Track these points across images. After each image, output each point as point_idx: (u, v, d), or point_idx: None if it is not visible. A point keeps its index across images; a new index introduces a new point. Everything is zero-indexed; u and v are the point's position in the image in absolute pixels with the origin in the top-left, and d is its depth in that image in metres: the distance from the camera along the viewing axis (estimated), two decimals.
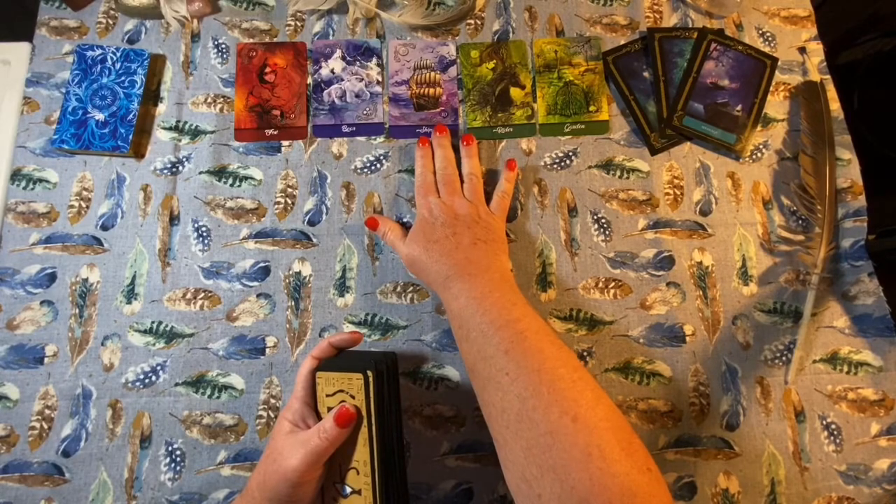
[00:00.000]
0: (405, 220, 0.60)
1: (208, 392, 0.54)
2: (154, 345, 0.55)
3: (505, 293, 0.47)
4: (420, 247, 0.52)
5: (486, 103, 0.63)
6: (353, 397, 0.43)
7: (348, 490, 0.43)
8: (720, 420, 0.55)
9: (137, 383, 0.54)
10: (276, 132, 0.62)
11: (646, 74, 0.65)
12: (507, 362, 0.40)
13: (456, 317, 0.47)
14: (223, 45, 0.65)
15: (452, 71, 0.65)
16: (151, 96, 0.62)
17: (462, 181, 0.57)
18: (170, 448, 0.53)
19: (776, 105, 0.64)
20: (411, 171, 0.61)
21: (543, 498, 0.34)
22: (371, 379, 0.42)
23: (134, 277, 0.57)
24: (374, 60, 0.65)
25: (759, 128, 0.63)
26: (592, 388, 0.39)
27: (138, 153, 0.61)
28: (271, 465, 0.41)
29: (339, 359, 0.46)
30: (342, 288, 0.58)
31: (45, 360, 0.55)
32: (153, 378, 0.55)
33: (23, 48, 0.63)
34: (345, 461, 0.43)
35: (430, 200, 0.54)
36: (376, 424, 0.42)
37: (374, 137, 0.62)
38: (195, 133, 0.62)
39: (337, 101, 0.63)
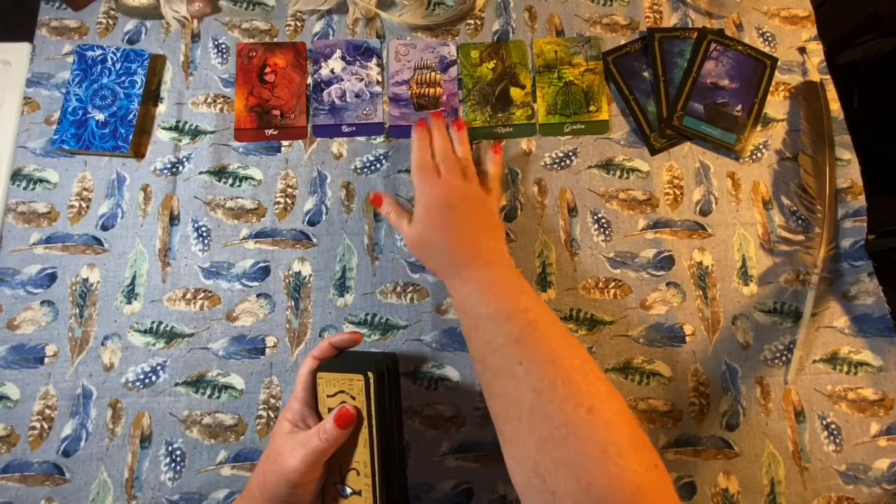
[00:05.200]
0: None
1: (208, 392, 0.54)
2: (154, 345, 0.55)
3: (513, 281, 0.46)
4: (430, 230, 0.50)
5: (486, 103, 0.63)
6: (353, 398, 0.43)
7: (348, 491, 0.43)
8: (720, 420, 0.55)
9: (137, 383, 0.54)
10: (276, 132, 0.62)
11: (646, 74, 0.65)
12: (520, 352, 0.39)
13: (462, 305, 0.45)
14: (223, 46, 0.65)
15: (453, 71, 0.65)
16: (151, 96, 0.62)
17: None
18: (170, 448, 0.53)
19: (776, 105, 0.64)
20: (410, 171, 0.61)
21: (558, 494, 0.33)
22: (372, 380, 0.42)
23: (134, 277, 0.57)
24: (374, 60, 0.65)
25: (759, 128, 0.63)
26: (603, 380, 0.38)
27: (138, 153, 0.61)
28: (271, 465, 0.41)
29: (340, 359, 0.46)
30: (342, 288, 0.58)
31: (46, 360, 0.55)
32: (153, 378, 0.55)
33: (23, 48, 0.63)
34: (345, 462, 0.43)
35: (433, 180, 0.52)
36: (377, 426, 0.42)
37: (373, 137, 0.62)
38: (195, 133, 0.62)
39: (337, 101, 0.63)
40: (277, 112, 0.62)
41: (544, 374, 0.38)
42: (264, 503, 0.40)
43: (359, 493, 0.42)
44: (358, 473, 0.42)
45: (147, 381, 0.54)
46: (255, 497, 0.41)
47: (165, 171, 0.60)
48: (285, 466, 0.39)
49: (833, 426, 0.55)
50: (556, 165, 0.62)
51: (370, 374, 0.42)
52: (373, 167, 0.61)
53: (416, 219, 0.52)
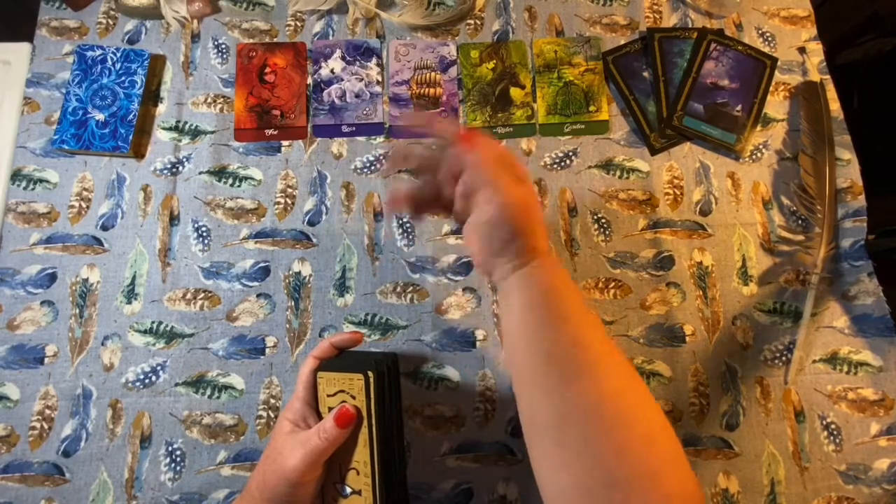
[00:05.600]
0: (405, 219, 0.60)
1: (208, 392, 0.54)
2: (154, 345, 0.55)
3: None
4: (532, 198, 0.40)
5: (486, 103, 0.63)
6: (353, 398, 0.43)
7: (348, 490, 0.43)
8: (720, 420, 0.55)
9: (137, 383, 0.54)
10: (276, 132, 0.62)
11: (646, 74, 0.65)
12: (606, 352, 0.36)
13: (545, 292, 0.37)
14: (223, 46, 0.65)
15: (452, 71, 0.65)
16: (151, 96, 0.62)
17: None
18: (170, 448, 0.53)
19: (776, 105, 0.64)
20: (411, 171, 0.61)
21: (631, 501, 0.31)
22: (372, 380, 0.42)
23: (134, 277, 0.57)
24: (374, 60, 0.65)
25: (758, 128, 0.63)
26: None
27: (138, 153, 0.61)
28: (271, 465, 0.41)
29: (340, 359, 0.46)
30: (342, 288, 0.58)
31: (46, 360, 0.55)
32: (153, 378, 0.55)
33: (23, 48, 0.63)
34: (345, 462, 0.43)
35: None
36: (377, 425, 0.42)
37: (373, 137, 0.62)
38: (195, 133, 0.62)
39: (337, 101, 0.63)
40: (277, 112, 0.62)
41: (626, 374, 0.35)
42: (264, 502, 0.40)
43: (358, 492, 0.42)
44: (358, 473, 0.42)
45: (147, 381, 0.54)
46: (255, 496, 0.41)
47: (165, 172, 0.60)
48: (285, 466, 0.40)
49: (833, 426, 0.55)
50: (556, 165, 0.62)
51: (370, 374, 0.42)
52: (373, 167, 0.61)
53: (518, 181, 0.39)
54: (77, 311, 0.56)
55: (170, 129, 0.62)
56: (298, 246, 0.59)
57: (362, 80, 0.64)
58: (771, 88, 0.64)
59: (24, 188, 0.59)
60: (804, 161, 0.61)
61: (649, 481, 0.31)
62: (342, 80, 0.64)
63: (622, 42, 0.66)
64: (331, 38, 0.66)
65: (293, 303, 0.57)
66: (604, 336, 0.37)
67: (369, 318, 0.57)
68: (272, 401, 0.55)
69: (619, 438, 0.32)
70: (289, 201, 0.60)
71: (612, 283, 0.58)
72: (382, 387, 0.43)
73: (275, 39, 0.65)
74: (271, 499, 0.40)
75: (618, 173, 0.62)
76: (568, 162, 0.62)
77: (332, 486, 0.44)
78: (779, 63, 0.65)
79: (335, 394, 0.44)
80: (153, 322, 0.56)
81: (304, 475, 0.40)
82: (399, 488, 0.45)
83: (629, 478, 0.31)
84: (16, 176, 0.59)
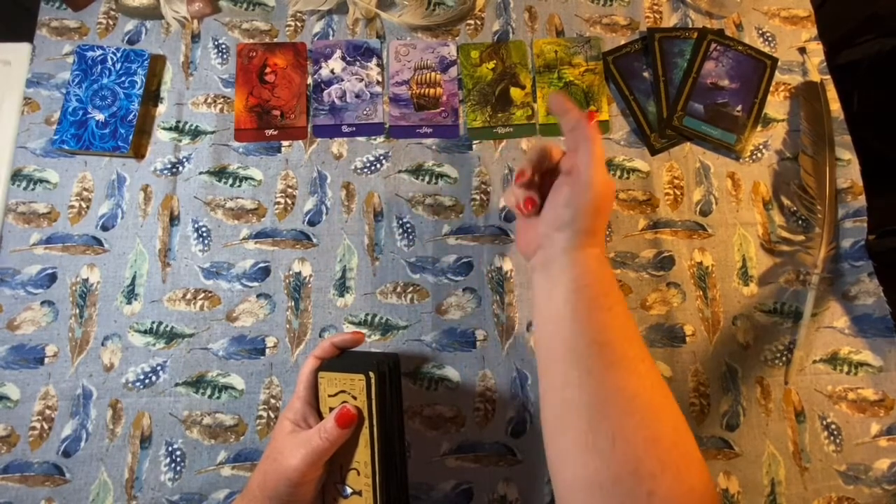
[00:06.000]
0: (405, 219, 0.60)
1: (208, 392, 0.54)
2: (154, 345, 0.55)
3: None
4: (613, 195, 0.41)
5: (486, 103, 0.63)
6: (354, 398, 0.43)
7: (349, 491, 0.43)
8: (720, 420, 0.55)
9: (137, 383, 0.54)
10: (276, 132, 0.62)
11: (646, 74, 0.65)
12: (642, 349, 0.37)
13: (600, 278, 0.39)
14: (223, 46, 0.65)
15: (453, 71, 0.65)
16: (151, 97, 0.62)
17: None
18: (170, 448, 0.53)
19: (776, 105, 0.64)
20: (411, 171, 0.61)
21: (657, 496, 0.32)
22: (373, 380, 0.42)
23: (134, 278, 0.57)
24: (374, 60, 0.65)
25: (759, 128, 0.63)
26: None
27: (138, 153, 0.61)
28: (272, 464, 0.41)
29: (342, 359, 0.46)
30: (342, 288, 0.58)
31: (46, 360, 0.55)
32: (153, 378, 0.55)
33: (23, 49, 0.63)
34: (346, 462, 0.43)
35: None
36: (378, 426, 0.42)
37: (374, 137, 0.62)
38: (195, 133, 0.62)
39: (337, 101, 0.63)
40: (277, 112, 0.62)
41: (656, 371, 0.36)
42: (265, 502, 0.40)
43: (359, 493, 0.42)
44: (358, 473, 0.42)
45: (147, 381, 0.54)
46: (255, 496, 0.41)
47: (165, 172, 0.60)
48: (286, 465, 0.40)
49: (833, 426, 0.55)
50: None
51: (371, 374, 0.42)
52: (373, 167, 0.61)
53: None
54: (77, 311, 0.56)
55: (170, 129, 0.62)
56: (298, 246, 0.59)
57: (362, 80, 0.64)
58: (771, 88, 0.64)
59: (25, 188, 0.59)
60: (804, 161, 0.61)
61: (675, 474, 0.32)
62: (342, 80, 0.64)
63: (622, 42, 0.66)
64: (331, 38, 0.66)
65: (293, 303, 0.57)
66: (639, 333, 0.38)
67: (369, 318, 0.57)
68: (272, 401, 0.55)
69: (651, 431, 0.33)
70: (289, 201, 0.60)
71: None
72: (384, 387, 0.43)
73: (275, 39, 0.65)
74: (272, 498, 0.40)
75: (618, 173, 0.62)
76: None
77: (332, 487, 0.44)
78: (779, 63, 0.65)
79: (336, 394, 0.44)
80: (153, 322, 0.56)
81: (305, 475, 0.40)
82: (399, 488, 0.45)
83: (656, 469, 0.32)
84: (16, 176, 0.59)
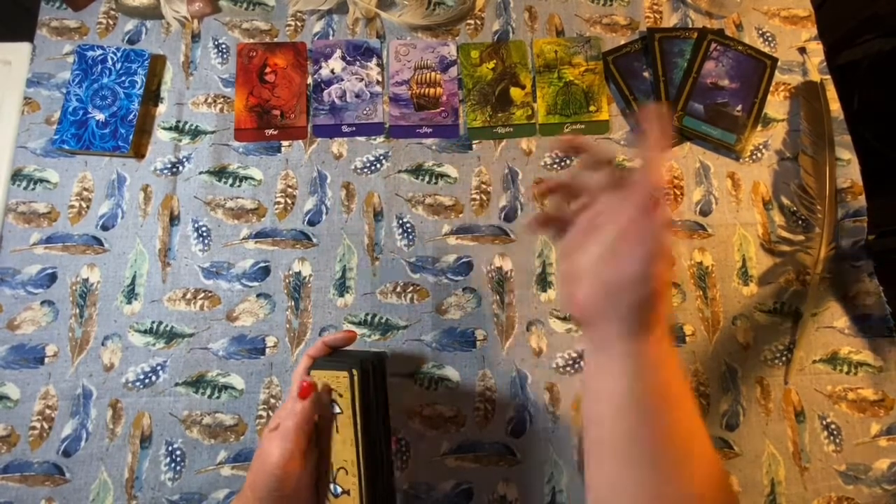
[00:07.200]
0: (405, 219, 0.60)
1: (208, 392, 0.54)
2: (154, 345, 0.55)
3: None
4: (669, 281, 0.37)
5: (486, 103, 0.63)
6: (340, 395, 0.43)
7: (339, 490, 0.43)
8: (720, 420, 0.55)
9: (137, 383, 0.54)
10: (276, 132, 0.62)
11: (646, 74, 0.65)
12: (701, 441, 0.36)
13: (661, 381, 0.36)
14: (223, 46, 0.65)
15: (453, 71, 0.65)
16: (152, 96, 0.62)
17: None
18: (170, 448, 0.53)
19: (776, 105, 0.64)
20: (411, 171, 0.61)
21: None
22: (356, 377, 0.42)
23: (134, 277, 0.57)
24: (374, 60, 0.65)
25: (759, 128, 0.63)
26: None
27: (138, 153, 0.61)
28: (260, 464, 0.41)
29: (331, 358, 0.47)
30: (342, 288, 0.58)
31: (46, 360, 0.55)
32: (153, 378, 0.55)
33: (23, 48, 0.63)
34: (336, 461, 0.43)
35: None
36: (362, 422, 0.42)
37: (374, 137, 0.62)
38: (195, 133, 0.62)
39: (337, 101, 0.63)
40: (277, 112, 0.62)
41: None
42: (256, 502, 0.40)
43: (347, 492, 0.43)
44: (346, 472, 0.43)
45: (147, 381, 0.54)
46: (248, 497, 0.41)
47: (165, 171, 0.60)
48: (269, 461, 0.40)
49: (833, 426, 0.55)
50: (556, 165, 0.62)
51: (354, 371, 0.42)
52: (373, 167, 0.61)
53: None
54: (77, 311, 0.56)
55: (170, 129, 0.62)
56: (298, 246, 0.59)
57: (362, 80, 0.64)
58: (771, 88, 0.64)
59: (25, 188, 0.59)
60: (804, 161, 0.61)
61: None
62: (342, 80, 0.64)
63: (622, 42, 0.66)
64: (331, 38, 0.66)
65: (293, 303, 0.57)
66: (700, 420, 0.36)
67: (369, 318, 0.57)
68: (272, 401, 0.55)
69: None
70: (289, 201, 0.60)
71: None
72: (367, 384, 0.43)
73: (275, 39, 0.65)
74: (263, 497, 0.40)
75: None
76: (568, 162, 0.62)
77: (326, 486, 0.44)
78: (779, 63, 0.65)
79: None
80: (153, 322, 0.56)
81: (286, 468, 0.40)
82: (385, 487, 0.45)
83: None
84: (16, 176, 0.59)
